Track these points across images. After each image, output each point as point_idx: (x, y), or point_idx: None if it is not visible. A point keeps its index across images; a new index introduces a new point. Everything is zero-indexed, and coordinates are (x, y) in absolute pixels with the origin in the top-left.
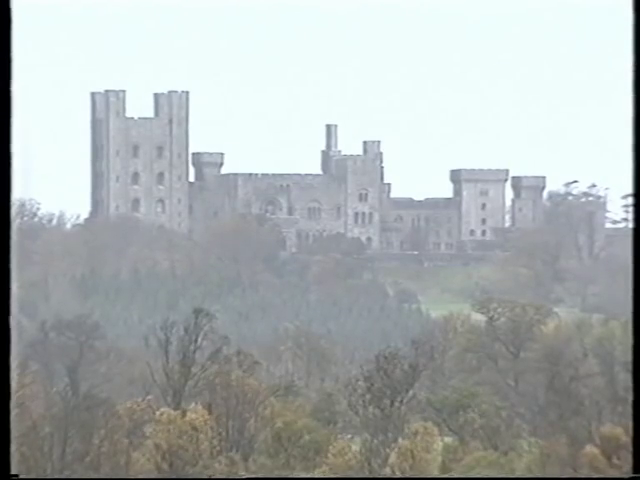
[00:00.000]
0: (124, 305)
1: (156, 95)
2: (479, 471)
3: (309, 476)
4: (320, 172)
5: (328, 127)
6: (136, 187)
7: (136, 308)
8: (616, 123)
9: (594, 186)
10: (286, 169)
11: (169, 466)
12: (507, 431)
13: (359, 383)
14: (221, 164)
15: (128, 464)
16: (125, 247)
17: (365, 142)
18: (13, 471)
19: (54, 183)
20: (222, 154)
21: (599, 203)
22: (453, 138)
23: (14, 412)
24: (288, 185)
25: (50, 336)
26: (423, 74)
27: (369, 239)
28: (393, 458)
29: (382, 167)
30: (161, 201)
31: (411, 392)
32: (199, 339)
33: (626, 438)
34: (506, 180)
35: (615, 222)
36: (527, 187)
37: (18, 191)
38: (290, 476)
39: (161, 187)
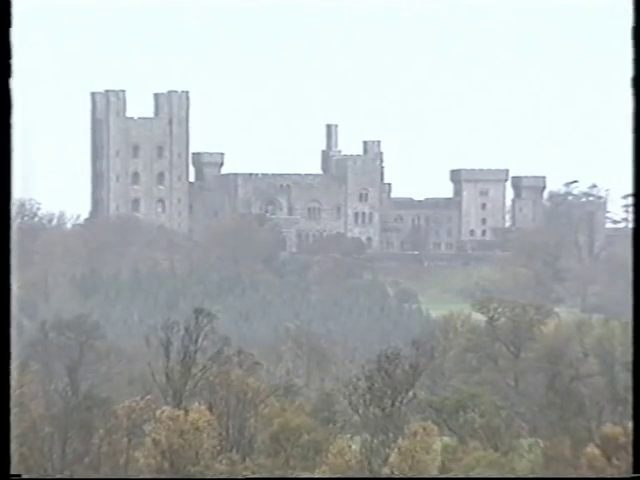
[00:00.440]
0: (124, 305)
1: (156, 95)
2: (479, 471)
3: (309, 476)
4: (320, 172)
5: (328, 127)
6: (136, 187)
7: (136, 308)
8: (616, 123)
9: (594, 186)
10: (286, 169)
11: (170, 465)
12: (507, 431)
13: (360, 383)
14: (221, 164)
15: (128, 464)
16: (125, 247)
17: (365, 142)
18: (13, 471)
19: (54, 183)
20: (222, 154)
21: (599, 203)
22: (453, 138)
23: (14, 411)
24: (288, 185)
25: (50, 336)
26: (423, 74)
27: (369, 239)
28: (393, 458)
29: (382, 167)
30: (161, 201)
31: (411, 392)
32: (200, 339)
33: (626, 438)
34: (506, 180)
35: (615, 222)
36: (527, 187)
37: (18, 191)
38: (290, 476)
39: (161, 187)
